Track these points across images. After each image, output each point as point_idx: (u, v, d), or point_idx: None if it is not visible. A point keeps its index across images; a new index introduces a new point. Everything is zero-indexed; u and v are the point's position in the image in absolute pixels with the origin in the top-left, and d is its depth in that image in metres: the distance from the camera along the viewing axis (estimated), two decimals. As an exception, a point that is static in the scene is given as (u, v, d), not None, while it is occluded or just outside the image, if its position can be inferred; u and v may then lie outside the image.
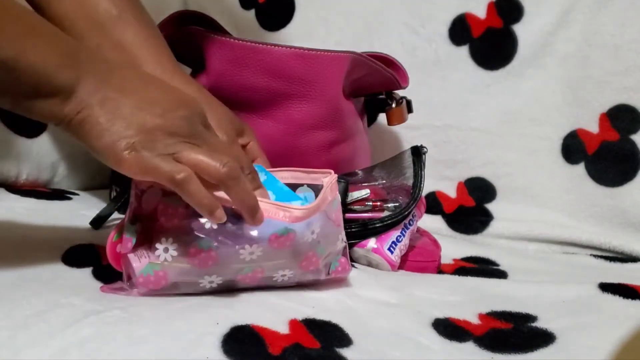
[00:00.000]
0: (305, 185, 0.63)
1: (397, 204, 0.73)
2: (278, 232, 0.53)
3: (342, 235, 0.60)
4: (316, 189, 0.62)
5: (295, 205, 0.56)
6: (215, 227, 0.52)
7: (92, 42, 0.63)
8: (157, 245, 0.52)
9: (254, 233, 0.53)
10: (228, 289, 0.55)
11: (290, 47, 0.73)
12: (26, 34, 0.47)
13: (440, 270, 0.75)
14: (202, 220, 0.52)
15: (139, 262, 0.52)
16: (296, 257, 0.56)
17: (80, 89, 0.48)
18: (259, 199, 0.53)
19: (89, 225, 0.70)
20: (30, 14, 0.52)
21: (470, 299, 0.63)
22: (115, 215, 0.71)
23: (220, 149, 0.53)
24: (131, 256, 0.53)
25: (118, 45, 0.64)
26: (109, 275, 0.56)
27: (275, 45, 0.73)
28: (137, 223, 0.53)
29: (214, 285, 0.54)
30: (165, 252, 0.52)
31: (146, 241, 0.53)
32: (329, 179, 0.60)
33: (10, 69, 0.46)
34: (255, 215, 0.52)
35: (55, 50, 0.48)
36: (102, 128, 0.48)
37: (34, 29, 0.49)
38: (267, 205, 0.54)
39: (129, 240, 0.53)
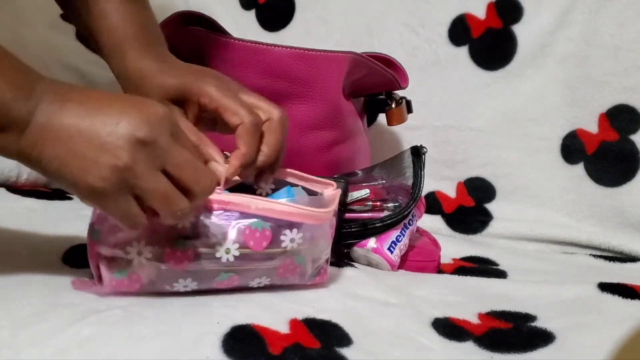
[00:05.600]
0: (300, 187, 0.62)
1: (397, 204, 0.73)
2: (252, 225, 0.52)
3: (328, 250, 0.58)
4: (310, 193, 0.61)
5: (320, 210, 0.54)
6: (188, 226, 0.51)
7: (72, 4, 0.61)
8: (129, 249, 0.51)
9: (231, 233, 0.52)
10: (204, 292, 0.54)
11: (290, 47, 0.73)
12: None
13: (440, 270, 0.75)
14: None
15: (111, 264, 0.51)
16: (272, 263, 0.54)
17: (34, 121, 0.45)
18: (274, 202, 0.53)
19: (89, 225, 0.70)
20: None
21: (470, 299, 0.63)
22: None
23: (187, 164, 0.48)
24: (103, 258, 0.51)
25: (101, 13, 0.61)
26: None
27: (275, 45, 0.73)
28: None
29: (188, 289, 0.53)
30: (139, 255, 0.51)
31: (120, 242, 0.51)
32: (331, 191, 0.59)
33: None
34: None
35: (7, 83, 0.45)
36: (61, 164, 0.45)
37: None
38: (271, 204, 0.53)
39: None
